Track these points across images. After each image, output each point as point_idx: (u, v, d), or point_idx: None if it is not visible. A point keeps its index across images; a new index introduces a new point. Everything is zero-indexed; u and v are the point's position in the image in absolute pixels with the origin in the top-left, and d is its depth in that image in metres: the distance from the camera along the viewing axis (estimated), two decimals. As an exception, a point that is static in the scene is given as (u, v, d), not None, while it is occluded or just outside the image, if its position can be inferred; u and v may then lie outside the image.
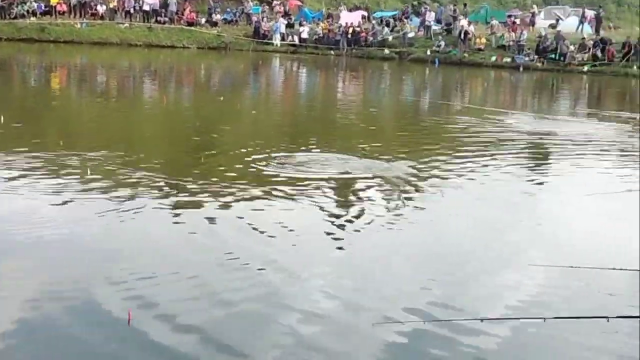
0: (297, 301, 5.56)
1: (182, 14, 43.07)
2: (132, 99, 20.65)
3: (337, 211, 8.28)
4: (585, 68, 35.89)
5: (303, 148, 11.97)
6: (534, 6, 46.28)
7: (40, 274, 6.02)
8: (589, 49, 36.89)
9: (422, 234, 7.75)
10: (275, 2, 46.73)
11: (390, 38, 42.02)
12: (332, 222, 7.80)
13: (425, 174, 10.49)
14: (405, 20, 43.50)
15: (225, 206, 8.29)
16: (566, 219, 8.58)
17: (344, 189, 9.41)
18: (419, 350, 4.87)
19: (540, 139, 15.19)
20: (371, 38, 42.22)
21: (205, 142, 12.66)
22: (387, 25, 43.41)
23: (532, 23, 42.21)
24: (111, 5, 42.66)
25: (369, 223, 7.87)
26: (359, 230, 7.61)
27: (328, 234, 7.45)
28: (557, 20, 42.65)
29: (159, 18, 42.58)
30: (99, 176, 9.30)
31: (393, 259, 6.78)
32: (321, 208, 8.34)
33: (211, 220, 7.71)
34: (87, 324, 5.09)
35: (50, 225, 7.27)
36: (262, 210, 8.22)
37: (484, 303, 5.73)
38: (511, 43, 38.77)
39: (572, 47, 37.10)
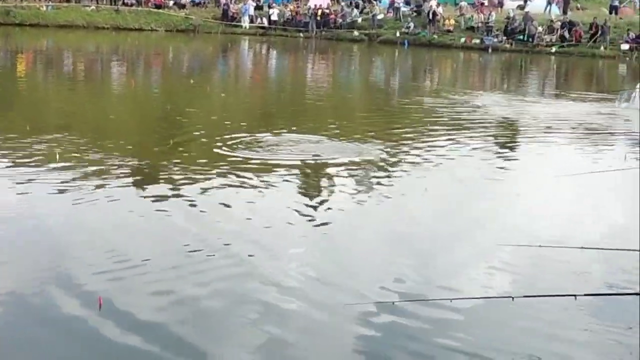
0: (270, 282, 5.57)
1: (150, -4, 42.66)
2: (100, 83, 20.46)
3: (307, 194, 8.30)
4: (553, 49, 36.12)
5: (274, 130, 11.94)
6: (502, -13, 46.41)
7: (7, 260, 5.96)
8: (557, 30, 37.13)
9: (391, 215, 7.79)
10: (243, -16, 46.46)
11: (359, 20, 41.93)
12: (303, 205, 7.81)
13: (394, 155, 10.53)
14: (374, 2, 43.42)
15: (196, 190, 8.25)
16: (534, 199, 8.65)
17: (314, 172, 9.42)
18: (389, 329, 4.90)
19: (509, 119, 15.29)
20: (340, 20, 42.10)
21: (174, 125, 12.59)
22: (357, 7, 43.29)
23: (501, 4, 42.34)
24: (77, -12, 42.14)
25: (338, 205, 7.90)
26: (329, 213, 7.62)
27: (299, 217, 7.45)
28: (525, 2, 42.77)
29: (126, 0, 42.13)
30: (67, 161, 9.22)
31: (363, 240, 6.82)
32: (292, 191, 8.34)
33: (182, 204, 7.67)
34: (60, 304, 5.06)
35: (17, 211, 7.21)
36: (233, 194, 8.20)
37: (454, 282, 5.77)
38: (480, 24, 38.90)
39: (540, 28, 37.31)
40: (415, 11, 41.76)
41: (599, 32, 36.11)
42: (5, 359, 4.47)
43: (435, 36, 38.93)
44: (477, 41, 38.11)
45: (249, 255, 6.18)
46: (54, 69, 23.45)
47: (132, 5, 41.95)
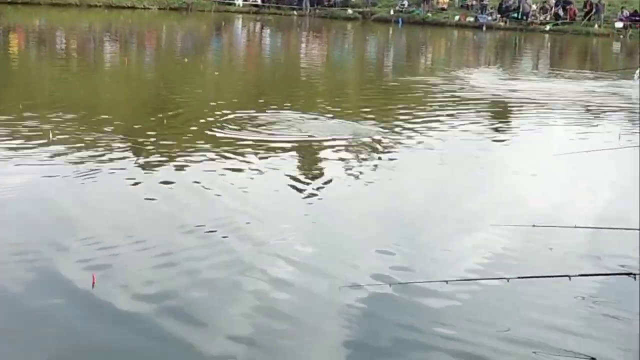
0: (262, 265, 5.54)
1: (143, -26, 42.38)
2: (93, 61, 20.36)
3: (301, 174, 8.26)
4: (547, 27, 36.13)
5: (267, 109, 11.91)
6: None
7: None
8: (551, 8, 37.06)
9: (384, 196, 7.77)
10: (237, -38, 46.18)
11: (353, -2, 41.85)
12: (295, 186, 7.77)
13: (388, 134, 10.50)
14: (368, -21, 43.29)
15: (189, 170, 8.22)
16: (528, 178, 8.66)
17: (307, 152, 9.39)
18: (384, 312, 4.89)
19: (503, 98, 15.28)
20: (334, -2, 42.01)
21: (167, 104, 12.54)
22: (351, -16, 43.19)
23: (495, -18, 42.22)
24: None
25: (331, 186, 7.87)
26: (322, 193, 7.60)
27: (292, 197, 7.43)
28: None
29: (118, -22, 41.86)
30: (60, 140, 9.17)
31: (357, 222, 6.79)
32: (285, 171, 8.29)
33: (173, 184, 7.62)
34: (48, 288, 5.04)
35: (10, 189, 7.18)
36: (226, 174, 8.16)
37: (448, 264, 5.77)
38: (474, 2, 38.83)
39: (534, 7, 37.26)
40: (409, -11, 41.66)
41: (593, 10, 36.11)
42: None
43: (430, 14, 38.88)
44: (472, 19, 38.08)
45: (239, 238, 6.14)
46: (47, 47, 23.31)
47: (124, -18, 41.71)
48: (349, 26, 36.92)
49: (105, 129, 9.97)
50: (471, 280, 5.33)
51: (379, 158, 9.19)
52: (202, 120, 10.83)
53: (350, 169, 8.54)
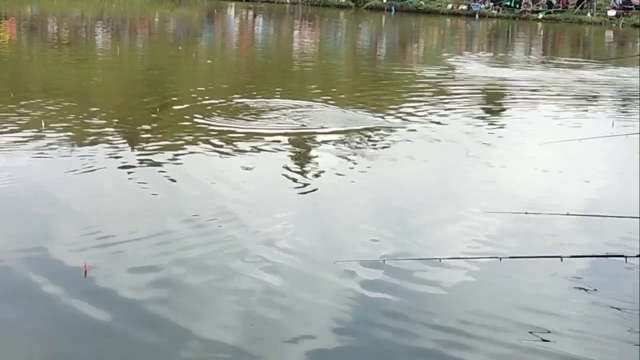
0: (258, 251, 5.55)
1: (135, -38, 42.17)
2: (85, 50, 20.27)
3: (293, 164, 8.25)
4: (540, 15, 36.12)
5: (260, 97, 11.88)
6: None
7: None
8: (544, -4, 37.06)
9: (378, 182, 7.79)
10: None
11: (346, -14, 41.74)
12: (289, 175, 7.77)
13: (380, 123, 10.51)
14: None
15: (182, 159, 8.19)
16: (520, 166, 8.68)
17: (300, 141, 9.39)
18: (378, 286, 4.95)
19: (495, 86, 15.29)
20: (327, -14, 41.88)
21: (160, 92, 12.52)
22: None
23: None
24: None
25: (325, 174, 7.87)
26: (316, 181, 7.61)
27: (285, 185, 7.43)
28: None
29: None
30: (53, 129, 9.15)
31: (351, 208, 6.81)
32: (277, 161, 8.28)
33: (166, 173, 7.58)
34: (43, 276, 5.04)
35: (2, 179, 7.15)
36: (220, 163, 8.16)
37: (442, 245, 5.81)
38: (467, -10, 38.80)
39: (527, -6, 37.24)
40: (402, -23, 41.58)
41: (586, -1, 36.08)
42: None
43: (423, 2, 38.81)
44: (465, 7, 38.04)
45: (234, 224, 6.15)
46: (38, 35, 23.21)
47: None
48: (341, 14, 36.88)
49: (98, 117, 9.96)
50: (464, 259, 5.38)
51: (372, 146, 9.20)
52: (194, 109, 10.80)
53: (343, 157, 8.55)
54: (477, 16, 36.61)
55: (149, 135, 9.13)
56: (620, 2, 35.99)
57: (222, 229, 6.01)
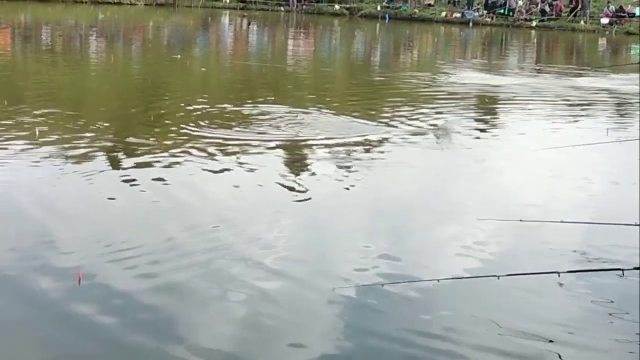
0: (252, 265, 5.49)
1: (129, -30, 42.19)
2: (79, 57, 20.25)
3: (288, 172, 8.22)
4: (534, 23, 36.23)
5: (255, 105, 11.87)
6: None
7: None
8: (538, 4, 37.19)
9: (372, 192, 7.75)
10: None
11: (340, -7, 41.81)
12: (284, 183, 7.74)
13: (375, 130, 10.50)
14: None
15: (177, 167, 8.17)
16: (514, 173, 8.68)
17: (295, 149, 9.37)
18: (380, 311, 4.87)
19: (489, 93, 15.31)
20: (321, -7, 41.96)
21: (154, 100, 12.49)
22: (337, -20, 43.15)
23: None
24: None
25: (321, 183, 7.85)
26: (311, 190, 7.57)
27: (280, 194, 7.40)
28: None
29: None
30: (47, 137, 9.12)
31: (345, 221, 6.76)
32: (272, 170, 8.24)
33: (162, 182, 7.54)
34: (36, 284, 5.01)
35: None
36: (214, 172, 8.11)
37: (438, 260, 5.78)
38: (461, -2, 38.90)
39: (520, 2, 37.38)
40: (396, -15, 41.68)
41: (579, 6, 36.23)
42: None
43: (417, 10, 38.92)
44: (458, 15, 38.13)
45: (229, 231, 6.13)
46: (32, 43, 23.18)
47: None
48: (336, 22, 36.91)
49: (92, 126, 9.92)
50: (463, 279, 5.32)
51: (367, 154, 9.18)
52: (189, 117, 10.78)
53: (338, 166, 8.53)
54: (470, 24, 36.70)
55: (143, 143, 9.10)
56: (614, 10, 36.11)
57: (218, 237, 5.98)
